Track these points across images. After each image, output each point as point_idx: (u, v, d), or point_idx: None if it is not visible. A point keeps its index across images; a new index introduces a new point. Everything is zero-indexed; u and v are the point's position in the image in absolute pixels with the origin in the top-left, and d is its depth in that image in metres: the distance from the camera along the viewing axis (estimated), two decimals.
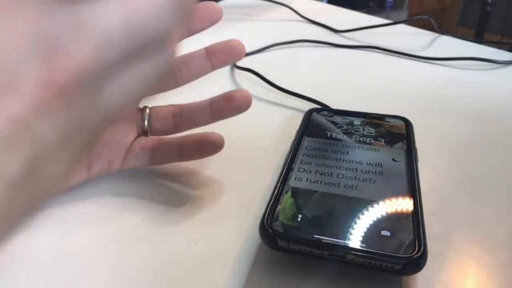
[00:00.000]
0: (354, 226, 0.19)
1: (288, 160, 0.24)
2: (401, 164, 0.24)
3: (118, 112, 0.15)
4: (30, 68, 0.10)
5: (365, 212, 0.20)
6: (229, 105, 0.25)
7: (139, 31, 0.13)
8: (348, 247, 0.18)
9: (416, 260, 0.18)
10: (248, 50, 0.48)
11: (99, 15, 0.12)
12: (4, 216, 0.11)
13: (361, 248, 0.18)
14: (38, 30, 0.10)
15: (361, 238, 0.19)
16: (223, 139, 0.25)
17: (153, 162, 0.26)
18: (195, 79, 0.26)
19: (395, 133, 0.27)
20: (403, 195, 0.21)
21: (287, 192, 0.22)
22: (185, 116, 0.26)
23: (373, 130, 0.28)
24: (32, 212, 0.12)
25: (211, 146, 0.25)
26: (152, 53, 0.15)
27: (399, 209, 0.20)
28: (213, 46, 0.25)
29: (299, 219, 0.20)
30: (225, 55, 0.25)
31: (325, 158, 0.25)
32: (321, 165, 0.24)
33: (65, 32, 0.11)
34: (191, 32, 0.24)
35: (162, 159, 0.26)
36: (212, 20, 0.24)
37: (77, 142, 0.13)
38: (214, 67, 0.26)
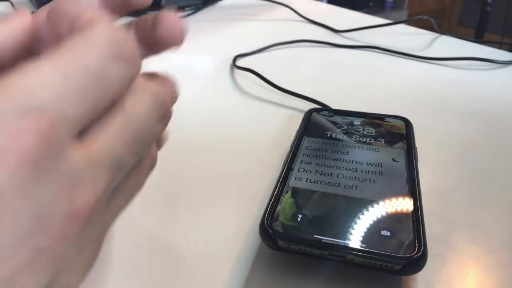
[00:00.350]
0: (354, 226, 0.19)
1: (288, 160, 0.24)
2: (401, 164, 0.24)
3: (121, 212, 0.16)
4: (56, 208, 0.12)
5: (365, 212, 0.20)
6: None
7: (140, 148, 0.15)
8: (348, 247, 0.18)
9: (416, 260, 0.18)
10: (248, 50, 0.48)
11: (108, 145, 0.13)
12: None
13: (361, 248, 0.18)
14: (60, 176, 0.12)
15: (361, 238, 0.19)
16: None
17: None
18: None
19: (395, 133, 0.27)
20: (403, 195, 0.21)
21: (287, 192, 0.22)
22: None
23: (373, 130, 0.28)
24: None
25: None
26: (145, 157, 0.17)
27: (399, 209, 0.20)
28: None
29: (299, 219, 0.20)
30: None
31: (325, 158, 0.25)
32: (321, 165, 0.24)
33: (83, 168, 0.12)
34: None
35: None
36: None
37: (90, 248, 0.14)
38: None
